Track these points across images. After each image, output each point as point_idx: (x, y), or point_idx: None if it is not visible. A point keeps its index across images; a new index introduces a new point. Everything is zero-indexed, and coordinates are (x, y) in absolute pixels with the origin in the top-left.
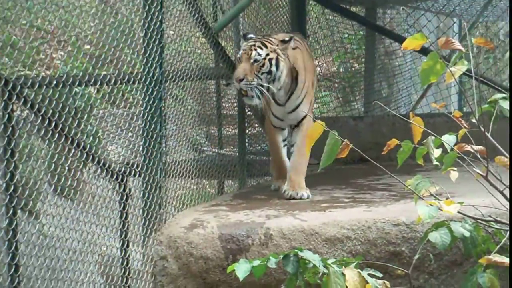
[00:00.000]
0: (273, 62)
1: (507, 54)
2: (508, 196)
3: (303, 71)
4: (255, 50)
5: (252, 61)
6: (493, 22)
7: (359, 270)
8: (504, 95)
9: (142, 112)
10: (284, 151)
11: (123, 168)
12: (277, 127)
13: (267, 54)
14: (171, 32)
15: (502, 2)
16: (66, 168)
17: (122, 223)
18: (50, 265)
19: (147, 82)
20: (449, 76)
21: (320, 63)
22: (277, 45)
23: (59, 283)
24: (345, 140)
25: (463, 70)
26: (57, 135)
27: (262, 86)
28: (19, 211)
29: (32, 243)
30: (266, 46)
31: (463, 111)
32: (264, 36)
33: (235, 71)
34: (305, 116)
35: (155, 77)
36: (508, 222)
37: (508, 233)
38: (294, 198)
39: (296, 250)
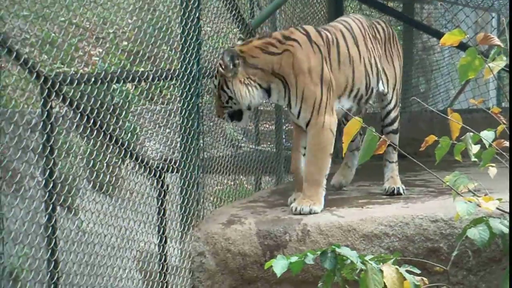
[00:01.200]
0: (224, 87)
1: None
2: None
3: (292, 76)
4: (213, 83)
5: (217, 96)
6: None
7: (397, 267)
8: None
9: (179, 108)
10: (301, 157)
11: (160, 165)
12: (298, 125)
13: (218, 82)
14: (208, 29)
15: None
16: (104, 164)
17: (159, 219)
18: (89, 261)
19: (184, 79)
20: (487, 72)
21: None
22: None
23: (98, 279)
24: (383, 136)
25: (501, 65)
26: (95, 131)
27: (235, 111)
28: (58, 207)
29: (71, 239)
30: (217, 74)
31: (501, 107)
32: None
33: None
34: (309, 121)
35: (192, 73)
36: None
37: None
38: (300, 213)
39: (333, 247)
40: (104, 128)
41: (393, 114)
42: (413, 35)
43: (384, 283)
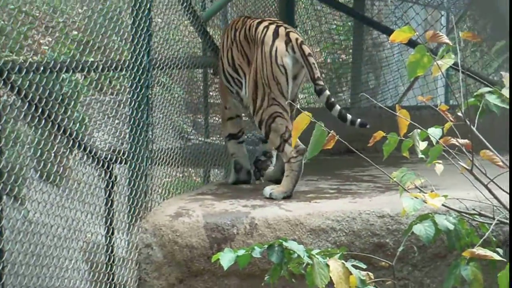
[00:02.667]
0: None
1: (494, 47)
2: (491, 190)
3: None
4: None
5: None
6: (480, 16)
7: (343, 261)
8: (490, 89)
9: (129, 99)
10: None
11: (109, 155)
12: None
13: None
14: (159, 20)
15: None
16: (52, 154)
17: (107, 210)
18: (35, 251)
19: (134, 70)
20: (436, 69)
21: None
22: None
23: (44, 269)
24: (331, 131)
25: (450, 63)
26: (43, 121)
27: None
28: (4, 196)
29: (17, 229)
30: None
31: (449, 104)
32: None
33: None
34: None
35: (143, 64)
36: (491, 216)
37: (491, 226)
38: None
39: (280, 240)
40: (52, 118)
41: (256, 119)
42: (363, 31)
43: (330, 277)
